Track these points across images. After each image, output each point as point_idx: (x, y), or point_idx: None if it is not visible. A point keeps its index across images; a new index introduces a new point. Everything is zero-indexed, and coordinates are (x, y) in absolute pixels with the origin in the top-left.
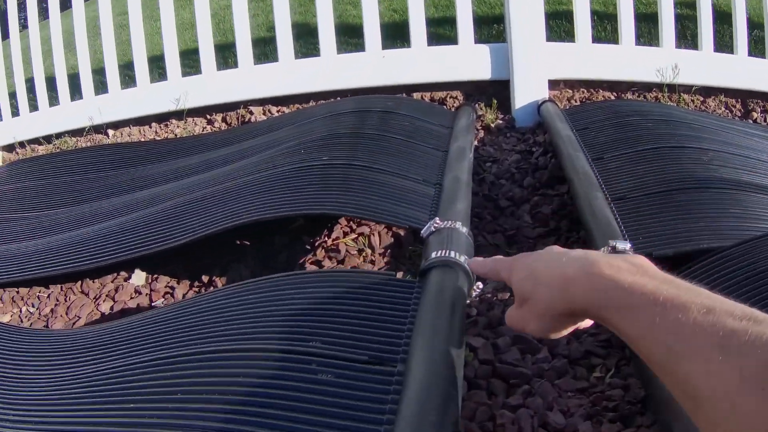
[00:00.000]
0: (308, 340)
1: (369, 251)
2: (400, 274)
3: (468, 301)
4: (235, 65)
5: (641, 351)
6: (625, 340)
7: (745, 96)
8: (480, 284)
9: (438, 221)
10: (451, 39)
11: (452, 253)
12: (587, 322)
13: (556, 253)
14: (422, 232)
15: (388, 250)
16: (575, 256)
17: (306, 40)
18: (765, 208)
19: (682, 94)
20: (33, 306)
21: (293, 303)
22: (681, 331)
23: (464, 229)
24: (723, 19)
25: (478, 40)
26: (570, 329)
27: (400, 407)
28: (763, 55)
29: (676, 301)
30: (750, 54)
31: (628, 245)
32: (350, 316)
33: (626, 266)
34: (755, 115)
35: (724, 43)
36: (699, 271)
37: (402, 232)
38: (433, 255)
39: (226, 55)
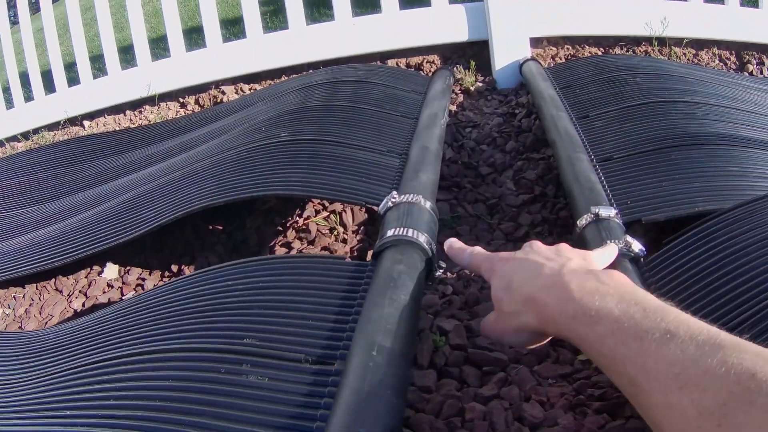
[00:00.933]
0: (242, 337)
1: (341, 229)
2: (370, 256)
3: (430, 284)
4: (204, 44)
5: (610, 377)
6: (590, 353)
7: (739, 48)
8: (443, 264)
9: (395, 195)
10: (424, 1)
11: (409, 231)
12: None
13: (534, 263)
14: (379, 208)
15: (362, 228)
16: (550, 271)
17: (277, 15)
18: (766, 165)
19: (672, 47)
20: (9, 307)
21: (232, 295)
22: (641, 363)
23: (427, 204)
24: None
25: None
26: (547, 340)
27: (332, 415)
28: (756, 5)
29: (638, 329)
30: (742, 5)
31: (612, 211)
32: (292, 307)
33: (597, 287)
34: (751, 67)
35: None
36: (695, 238)
37: (376, 208)
38: (389, 233)
39: (195, 38)
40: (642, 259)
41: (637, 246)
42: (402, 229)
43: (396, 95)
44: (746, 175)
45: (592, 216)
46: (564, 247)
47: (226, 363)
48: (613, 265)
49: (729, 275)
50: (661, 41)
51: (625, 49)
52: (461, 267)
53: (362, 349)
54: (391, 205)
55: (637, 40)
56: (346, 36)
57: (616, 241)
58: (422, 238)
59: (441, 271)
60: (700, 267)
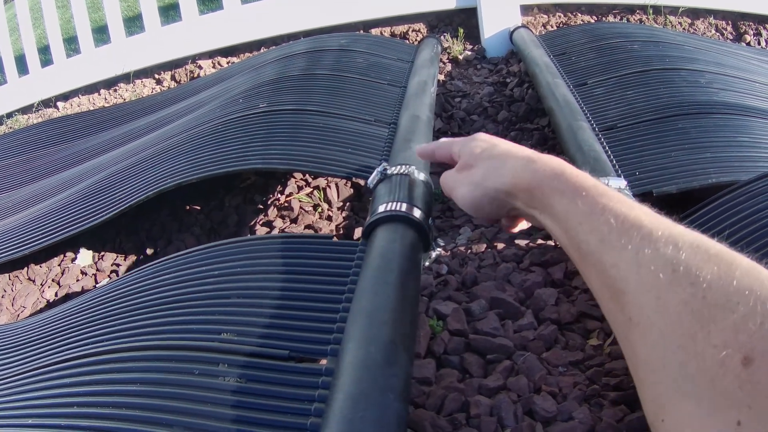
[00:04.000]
0: (219, 331)
1: (325, 206)
2: (357, 233)
3: (426, 264)
4: (179, 17)
5: (574, 241)
6: (551, 228)
7: (736, 18)
8: (441, 241)
9: (386, 166)
10: None
11: (403, 206)
12: (519, 224)
13: (504, 145)
14: (368, 181)
15: (347, 204)
16: (522, 150)
17: None
18: None
19: (668, 15)
20: None
21: (207, 283)
22: (619, 224)
23: (421, 175)
24: None
25: None
26: (495, 216)
27: (324, 426)
28: None
29: (621, 198)
30: None
31: (623, 182)
32: (273, 296)
33: (567, 164)
34: (748, 38)
35: None
36: (712, 213)
37: (362, 182)
38: (380, 209)
39: (172, 15)
40: None
41: None
42: (395, 203)
43: (382, 63)
44: (758, 146)
45: None
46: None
47: (200, 363)
48: None
49: (755, 251)
50: (656, 9)
51: (619, 17)
52: (430, 159)
53: (356, 343)
54: (382, 177)
55: (631, 8)
56: (327, 4)
57: None
58: (417, 213)
59: (439, 249)
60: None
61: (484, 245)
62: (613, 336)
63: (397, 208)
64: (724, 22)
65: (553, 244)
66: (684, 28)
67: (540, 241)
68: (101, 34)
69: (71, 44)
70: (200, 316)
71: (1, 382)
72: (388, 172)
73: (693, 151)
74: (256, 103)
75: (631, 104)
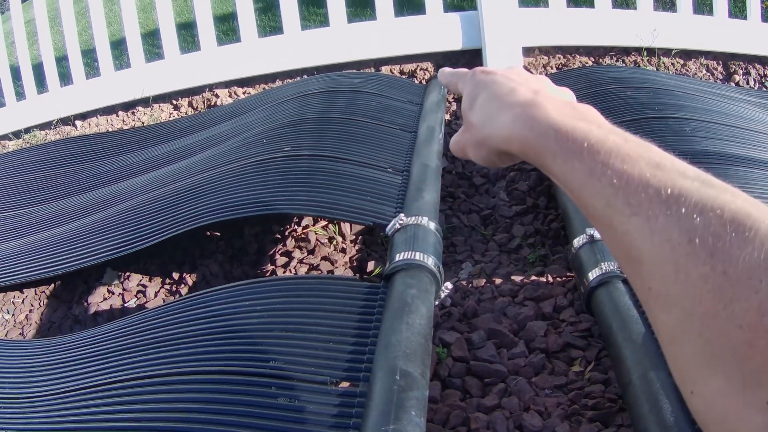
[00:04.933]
0: (267, 359)
1: (340, 239)
2: (370, 266)
3: (437, 303)
4: (198, 47)
5: (579, 202)
6: (563, 188)
7: (726, 58)
8: (449, 284)
9: (403, 217)
10: (421, 5)
11: (417, 255)
12: None
13: (509, 82)
14: (387, 229)
15: (359, 237)
16: (525, 90)
17: (273, 13)
18: (752, 183)
19: (661, 57)
20: (8, 312)
21: (250, 317)
22: (623, 184)
23: (432, 225)
24: None
25: (449, 5)
26: (510, 162)
27: None
28: (743, 14)
29: (621, 151)
30: (730, 15)
31: None
32: (311, 330)
33: (573, 112)
34: (737, 77)
35: (702, 1)
36: None
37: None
38: (398, 257)
39: (185, 35)
40: None
41: None
42: (411, 252)
43: (393, 106)
44: None
45: (588, 237)
46: (546, 79)
47: (255, 386)
48: (605, 285)
49: None
50: (651, 51)
51: (615, 59)
52: (446, 86)
53: (385, 372)
54: (399, 227)
55: (626, 50)
56: (340, 42)
57: (610, 263)
58: (430, 261)
59: (447, 291)
60: None
61: (484, 280)
62: (593, 363)
63: (413, 257)
64: (714, 62)
65: (545, 280)
66: (677, 69)
67: (533, 278)
68: (116, 48)
69: (87, 57)
70: (250, 346)
71: (59, 396)
72: (404, 222)
73: None
74: (277, 145)
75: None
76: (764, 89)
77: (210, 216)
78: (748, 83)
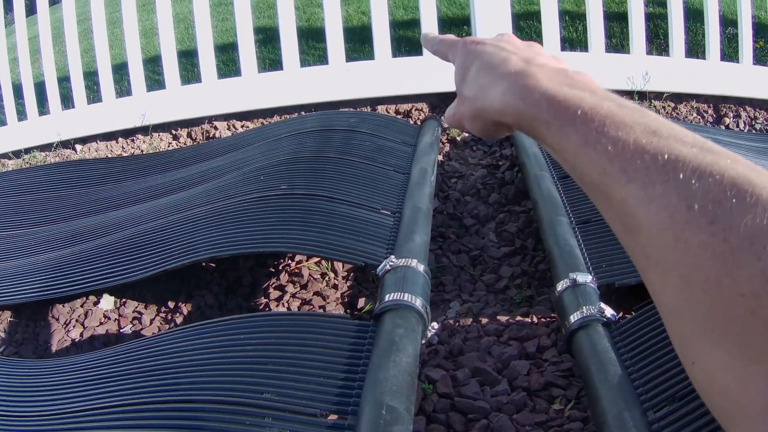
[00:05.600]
0: (261, 391)
1: (332, 275)
2: (361, 303)
3: (423, 341)
4: (199, 79)
5: (574, 172)
6: (557, 159)
7: (717, 101)
8: (435, 324)
9: (393, 259)
10: (416, 48)
11: (406, 296)
12: None
13: (500, 50)
14: (378, 270)
15: (351, 273)
16: (517, 60)
17: (273, 46)
18: None
19: (653, 100)
20: (4, 332)
21: (246, 350)
22: (618, 152)
23: (421, 267)
24: (696, 17)
25: None
26: (507, 133)
27: None
28: (736, 56)
29: (616, 118)
30: (723, 56)
31: (588, 278)
32: (303, 365)
33: (565, 80)
34: (727, 120)
35: (696, 42)
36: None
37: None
38: (387, 298)
39: (193, 62)
40: (613, 324)
41: (609, 312)
42: (400, 293)
43: (387, 147)
44: None
45: (570, 281)
46: (538, 45)
47: (250, 416)
48: (585, 328)
49: None
50: (642, 95)
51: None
52: (433, 52)
53: (372, 407)
54: (390, 268)
55: (618, 94)
56: (338, 80)
57: (591, 307)
58: (418, 303)
59: (434, 331)
60: (666, 335)
61: (471, 319)
62: (573, 401)
63: (402, 298)
64: (705, 105)
65: (529, 320)
66: (668, 113)
67: (519, 318)
68: (117, 72)
69: (88, 79)
70: (244, 378)
71: (53, 417)
72: (394, 263)
73: None
74: (274, 182)
75: None
76: (754, 132)
77: (207, 251)
78: (738, 126)
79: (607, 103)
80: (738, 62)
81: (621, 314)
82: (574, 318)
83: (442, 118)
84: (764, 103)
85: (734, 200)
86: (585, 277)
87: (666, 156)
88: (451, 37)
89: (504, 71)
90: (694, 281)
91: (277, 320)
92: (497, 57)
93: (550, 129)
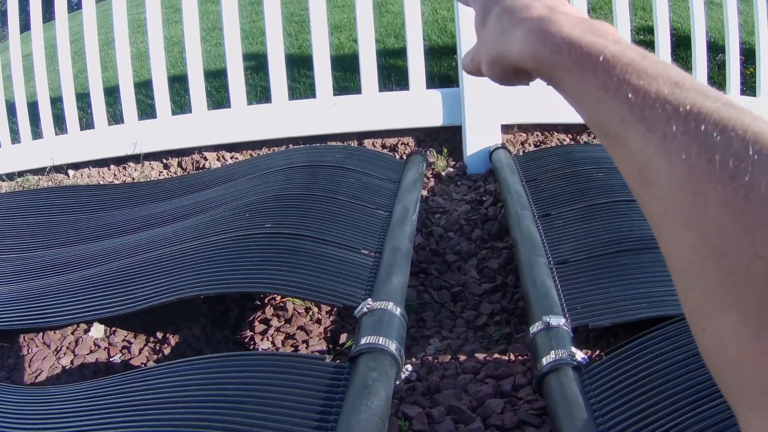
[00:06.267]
0: (239, 431)
1: (316, 310)
2: (342, 338)
3: (397, 382)
4: (190, 110)
5: (593, 121)
6: (575, 107)
7: None
8: (409, 367)
9: (370, 302)
10: (402, 83)
11: (381, 340)
12: None
13: (522, 5)
14: (355, 312)
15: (334, 309)
16: (537, 9)
17: (264, 72)
18: None
19: None
20: None
21: (226, 389)
22: (639, 100)
23: (397, 310)
24: (684, 43)
25: (438, 73)
26: (525, 82)
27: None
28: (723, 85)
29: (638, 67)
30: (712, 85)
31: (562, 321)
32: (281, 405)
33: (589, 27)
34: None
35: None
36: (631, 351)
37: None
38: (363, 341)
39: (185, 87)
40: (583, 368)
41: (580, 355)
42: (375, 337)
43: (371, 184)
44: None
45: (543, 324)
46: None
47: None
48: (556, 372)
49: (660, 392)
50: None
51: (593, 135)
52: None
53: None
54: (366, 310)
55: None
56: (326, 114)
57: (562, 350)
58: (393, 347)
59: (407, 373)
60: (636, 379)
61: (449, 356)
62: None
63: (376, 342)
64: None
65: (507, 358)
66: None
67: (496, 355)
68: (109, 96)
69: (84, 100)
70: (224, 416)
71: None
72: (371, 306)
73: (629, 287)
74: (260, 219)
75: (585, 238)
76: None
77: (194, 289)
78: None
79: (629, 51)
80: (725, 92)
81: (597, 352)
82: (545, 361)
83: (461, 66)
84: None
85: (756, 156)
86: (558, 320)
87: (688, 107)
88: None
89: (526, 16)
90: (710, 239)
91: (258, 360)
92: (519, 2)
93: (571, 75)
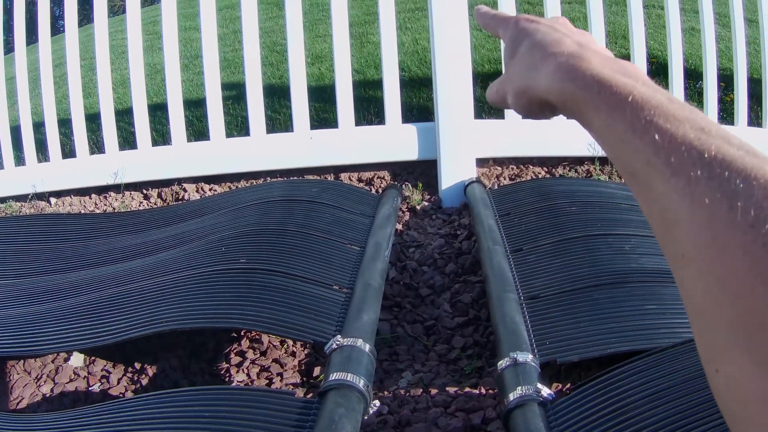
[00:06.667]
0: None
1: (291, 343)
2: (316, 371)
3: (365, 417)
4: (170, 141)
5: (619, 160)
6: (600, 144)
7: None
8: (377, 402)
9: (339, 338)
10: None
11: (349, 376)
12: None
13: (554, 34)
14: (325, 348)
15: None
16: (568, 45)
17: (240, 102)
18: None
19: (606, 165)
20: None
21: (198, 423)
22: (666, 143)
23: (366, 347)
24: (664, 71)
25: (416, 104)
26: (549, 116)
27: None
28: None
29: (666, 110)
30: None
31: (529, 357)
32: None
33: (618, 67)
34: None
35: None
36: (597, 387)
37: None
38: (332, 377)
39: (160, 116)
40: (549, 404)
41: (546, 391)
42: (344, 373)
43: (345, 219)
44: (664, 313)
45: (511, 360)
46: (590, 35)
47: None
48: (521, 408)
49: (626, 427)
50: (603, 160)
51: (568, 168)
52: (484, 27)
53: None
54: (336, 347)
55: (580, 160)
56: (303, 147)
57: (529, 386)
58: (361, 383)
59: (374, 409)
60: (602, 414)
61: (421, 390)
62: None
63: (345, 378)
64: None
65: (477, 392)
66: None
67: (468, 389)
68: (95, 123)
69: (67, 126)
70: None
71: None
72: (340, 343)
73: (600, 322)
74: (236, 254)
75: (557, 273)
76: None
77: (170, 323)
78: None
79: (658, 95)
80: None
81: (569, 386)
82: (512, 396)
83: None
84: None
85: None
86: (525, 356)
87: (713, 153)
88: (504, 13)
89: (556, 51)
90: (728, 284)
91: (229, 394)
92: (550, 37)
93: (599, 113)
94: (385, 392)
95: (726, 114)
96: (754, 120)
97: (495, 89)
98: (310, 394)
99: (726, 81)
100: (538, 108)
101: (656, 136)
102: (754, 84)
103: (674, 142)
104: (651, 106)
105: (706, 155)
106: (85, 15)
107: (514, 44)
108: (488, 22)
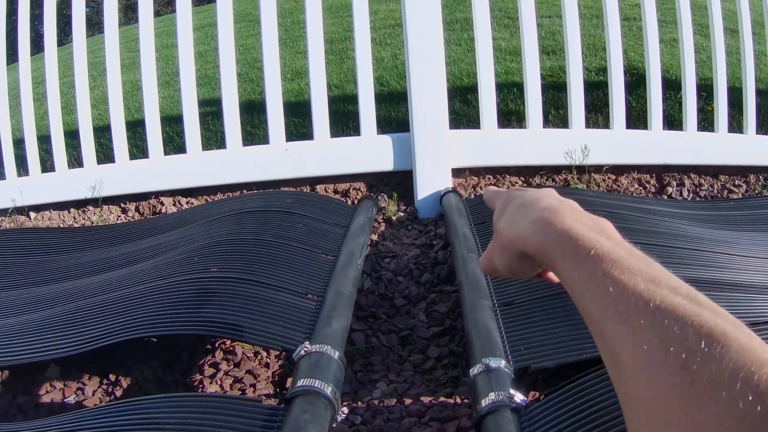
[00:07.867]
0: None
1: (264, 353)
2: (289, 382)
3: (334, 425)
4: (147, 154)
5: (581, 308)
6: (569, 293)
7: (660, 171)
8: (345, 410)
9: (308, 345)
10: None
11: (317, 383)
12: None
13: (537, 195)
14: (293, 355)
15: (283, 353)
16: (548, 202)
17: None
18: None
19: (592, 174)
20: None
21: (164, 429)
22: (618, 294)
23: (335, 354)
24: (642, 82)
25: (395, 118)
26: (532, 273)
27: None
28: (680, 125)
29: (623, 263)
30: (672, 123)
31: (502, 363)
32: None
33: (589, 222)
34: (670, 189)
35: (640, 106)
36: (570, 392)
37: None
38: (299, 383)
39: (140, 132)
40: (522, 410)
41: (519, 397)
42: (311, 380)
43: (319, 229)
44: None
45: (483, 366)
46: (575, 203)
47: None
48: (494, 414)
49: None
50: (581, 169)
51: (545, 177)
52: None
53: None
54: (304, 354)
55: (557, 169)
56: (279, 160)
57: (502, 392)
58: (329, 390)
59: (343, 416)
60: (576, 419)
61: (395, 400)
62: None
63: (312, 385)
64: (648, 176)
65: (452, 401)
66: (608, 185)
67: (442, 399)
68: (75, 138)
69: (47, 142)
70: None
71: None
72: (308, 350)
73: (575, 327)
74: (211, 263)
75: (529, 279)
76: (698, 199)
77: (140, 330)
78: (681, 194)
79: (618, 249)
80: (683, 129)
81: (545, 393)
82: (484, 403)
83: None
84: (709, 169)
85: (706, 349)
86: (498, 362)
87: (658, 303)
88: (500, 191)
89: (536, 206)
90: (659, 419)
91: (196, 401)
92: (533, 197)
93: (565, 263)
94: (359, 402)
95: (707, 123)
96: (735, 127)
97: (485, 257)
98: (283, 404)
99: (707, 91)
100: (518, 263)
101: (610, 288)
102: (736, 93)
103: (625, 293)
104: (610, 259)
105: (651, 305)
106: (66, 34)
107: (502, 206)
108: (489, 197)
